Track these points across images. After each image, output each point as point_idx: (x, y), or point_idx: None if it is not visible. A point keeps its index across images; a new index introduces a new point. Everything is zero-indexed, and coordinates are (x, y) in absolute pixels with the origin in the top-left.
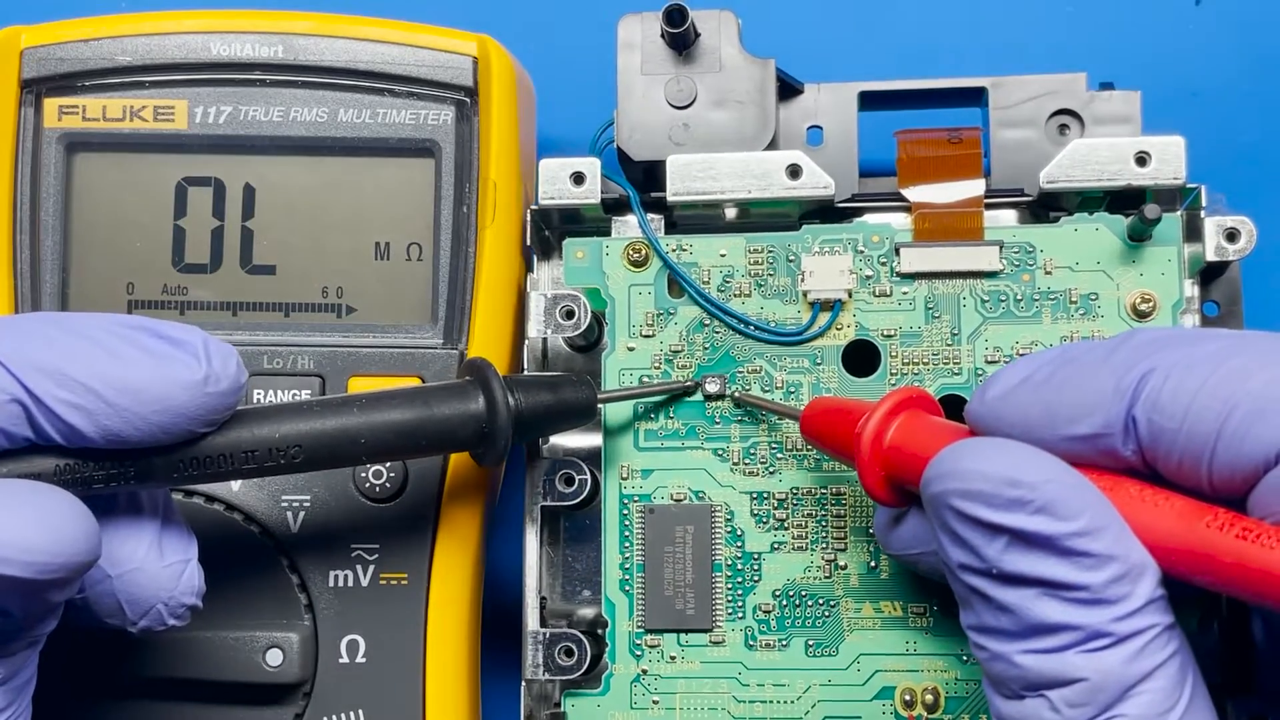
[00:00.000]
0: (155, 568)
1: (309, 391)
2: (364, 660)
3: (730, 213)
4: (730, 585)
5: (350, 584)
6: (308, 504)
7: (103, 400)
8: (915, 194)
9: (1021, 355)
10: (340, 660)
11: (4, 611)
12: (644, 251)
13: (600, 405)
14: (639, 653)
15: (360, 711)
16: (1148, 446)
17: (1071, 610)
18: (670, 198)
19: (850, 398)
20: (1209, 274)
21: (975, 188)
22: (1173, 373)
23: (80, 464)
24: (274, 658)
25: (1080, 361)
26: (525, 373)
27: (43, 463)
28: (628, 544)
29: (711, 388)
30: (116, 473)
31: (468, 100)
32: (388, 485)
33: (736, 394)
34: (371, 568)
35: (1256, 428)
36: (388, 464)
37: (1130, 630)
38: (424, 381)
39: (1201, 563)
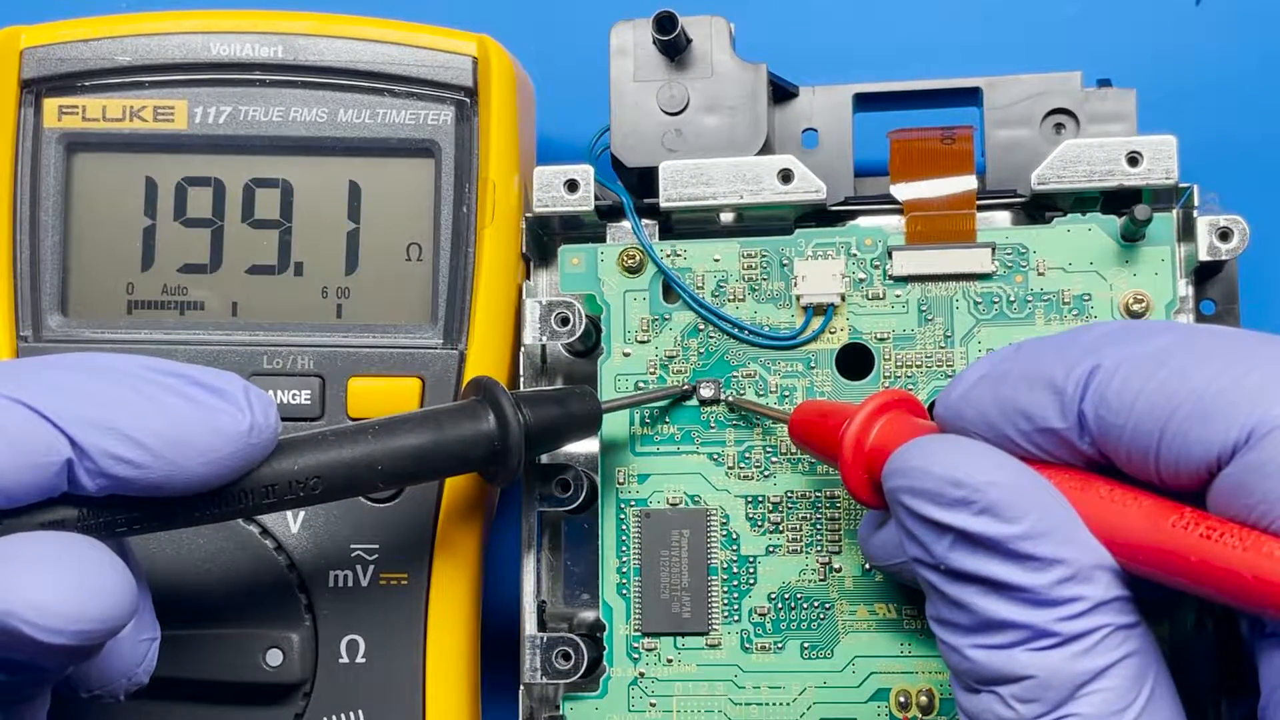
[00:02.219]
0: (130, 642)
1: (309, 392)
2: (364, 660)
3: (726, 217)
4: (726, 588)
5: (350, 584)
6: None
7: (151, 454)
8: (905, 191)
9: None
10: (340, 660)
11: (41, 668)
12: (639, 257)
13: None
14: (636, 656)
15: (360, 711)
16: (1099, 441)
17: (1017, 609)
18: (663, 204)
19: (837, 401)
20: (1205, 272)
21: (966, 183)
22: (1119, 369)
23: (103, 510)
24: (274, 658)
25: (1034, 357)
26: (527, 388)
27: (66, 511)
28: (624, 548)
29: (706, 393)
30: (139, 515)
31: (467, 100)
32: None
33: (730, 398)
34: (371, 568)
35: (1197, 429)
36: None
37: (1078, 630)
38: (424, 382)
39: (1170, 562)
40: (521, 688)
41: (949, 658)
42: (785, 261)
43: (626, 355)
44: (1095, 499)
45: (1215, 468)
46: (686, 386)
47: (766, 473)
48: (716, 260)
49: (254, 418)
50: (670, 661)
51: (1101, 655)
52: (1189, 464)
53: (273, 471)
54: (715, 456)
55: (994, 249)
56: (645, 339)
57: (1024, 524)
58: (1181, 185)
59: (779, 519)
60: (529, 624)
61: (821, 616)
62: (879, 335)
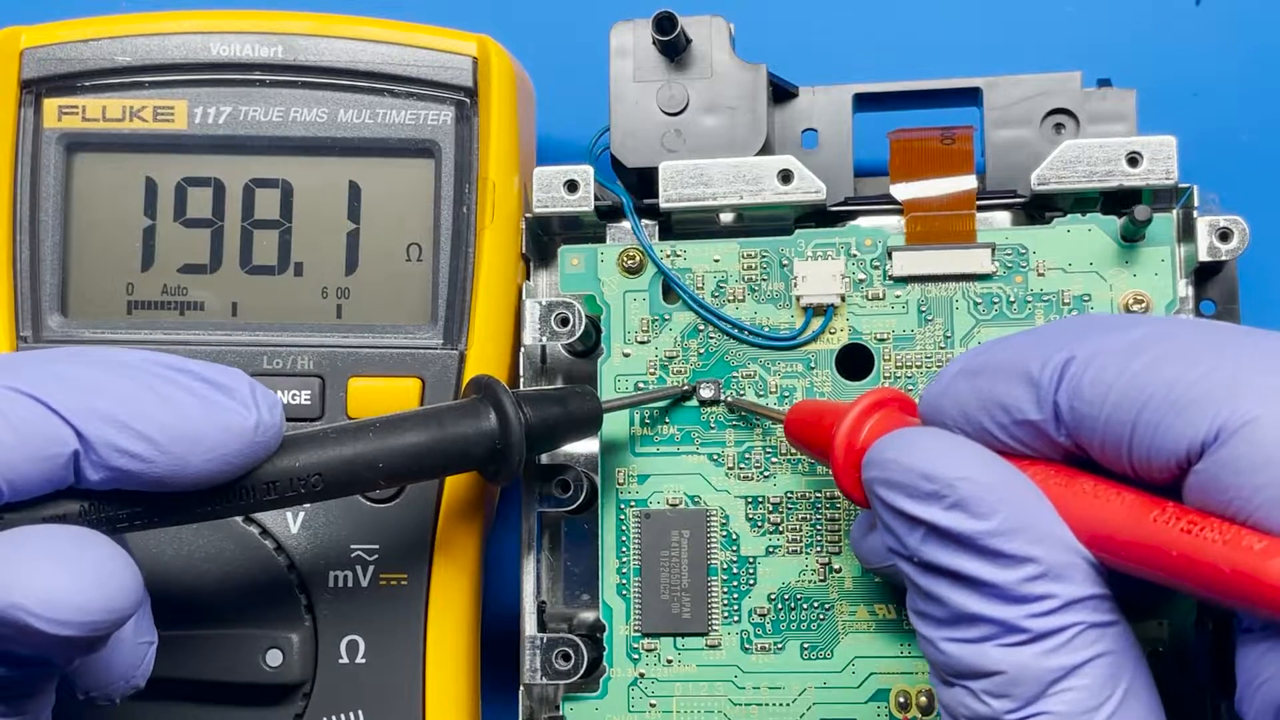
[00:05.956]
0: (130, 645)
1: (309, 392)
2: (364, 661)
3: (726, 217)
4: (726, 589)
5: (350, 584)
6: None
7: (157, 448)
8: (905, 191)
9: None
10: (340, 660)
11: (46, 662)
12: (638, 258)
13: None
14: (636, 656)
15: (360, 712)
16: (1074, 433)
17: (987, 604)
18: (663, 204)
19: (832, 400)
20: (1205, 273)
21: (966, 184)
22: (1093, 361)
23: (106, 505)
24: (274, 658)
25: (1011, 350)
26: (527, 387)
27: (69, 505)
28: (624, 549)
29: (706, 393)
30: (140, 511)
31: (467, 101)
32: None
33: (729, 399)
34: (371, 568)
35: (1168, 422)
36: None
37: (1048, 628)
38: (424, 382)
39: (1152, 557)
40: (521, 688)
41: (925, 650)
42: (785, 262)
43: (626, 356)
44: (1079, 494)
45: (1187, 462)
46: (686, 387)
47: (766, 473)
48: (716, 260)
49: (260, 415)
50: (670, 662)
51: (1073, 653)
52: (1160, 457)
53: (275, 468)
54: (715, 457)
55: (994, 249)
56: (645, 339)
57: (994, 520)
58: (1181, 185)
59: (779, 520)
60: (529, 624)
61: (821, 617)
62: (879, 336)
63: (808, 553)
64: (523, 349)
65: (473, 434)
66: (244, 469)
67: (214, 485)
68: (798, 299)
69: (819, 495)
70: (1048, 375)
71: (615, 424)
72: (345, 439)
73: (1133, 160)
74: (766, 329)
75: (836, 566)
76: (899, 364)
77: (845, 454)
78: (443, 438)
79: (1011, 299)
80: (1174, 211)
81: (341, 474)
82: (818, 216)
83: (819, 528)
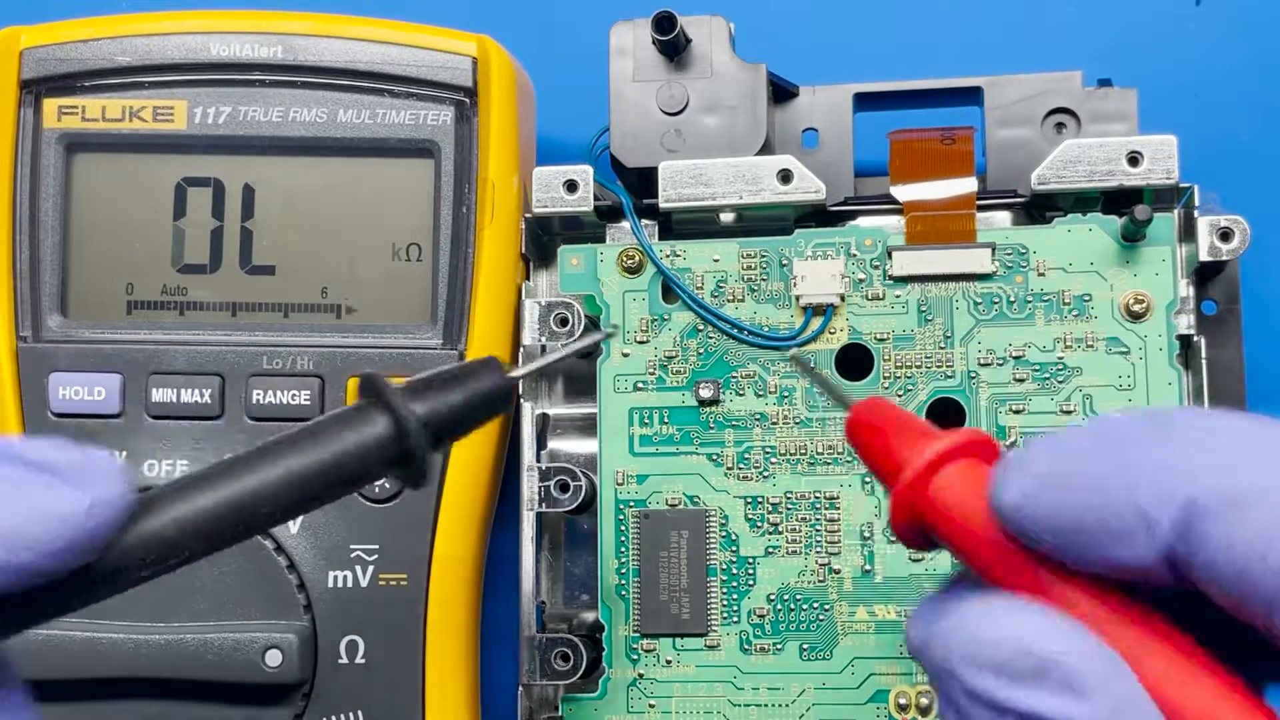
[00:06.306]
0: None
1: (309, 392)
2: (363, 661)
3: (726, 217)
4: (725, 590)
5: (349, 584)
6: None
7: None
8: (905, 193)
9: (1049, 438)
10: (339, 661)
11: None
12: (638, 258)
13: (518, 384)
14: (635, 657)
15: (359, 712)
16: (1197, 582)
17: None
18: (663, 204)
19: (908, 414)
20: (1206, 273)
21: (967, 185)
22: (1222, 512)
23: None
24: (273, 658)
25: (1113, 460)
26: (421, 374)
27: None
28: (623, 549)
29: (705, 393)
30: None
31: (467, 101)
32: (387, 485)
33: (797, 355)
34: (371, 568)
35: None
36: None
37: None
38: None
39: None
40: (521, 688)
41: None
42: (785, 262)
43: (626, 356)
44: (1151, 673)
45: None
46: (605, 331)
47: (765, 473)
48: (716, 260)
49: (94, 493)
50: (669, 663)
51: None
52: None
53: (141, 540)
54: (714, 457)
55: (994, 249)
56: (644, 339)
57: (1102, 700)
58: (1182, 185)
59: (778, 520)
60: (528, 625)
61: (820, 618)
62: (879, 335)
63: (807, 553)
64: (522, 349)
65: (366, 443)
66: (91, 552)
67: (69, 572)
68: (797, 299)
69: (818, 495)
70: (1163, 518)
71: (615, 423)
72: (220, 482)
73: (1133, 160)
74: (766, 329)
75: (836, 567)
76: (899, 364)
77: (907, 495)
78: (328, 457)
79: (1012, 299)
80: (1175, 211)
81: (224, 528)
82: (818, 216)
83: (818, 528)
